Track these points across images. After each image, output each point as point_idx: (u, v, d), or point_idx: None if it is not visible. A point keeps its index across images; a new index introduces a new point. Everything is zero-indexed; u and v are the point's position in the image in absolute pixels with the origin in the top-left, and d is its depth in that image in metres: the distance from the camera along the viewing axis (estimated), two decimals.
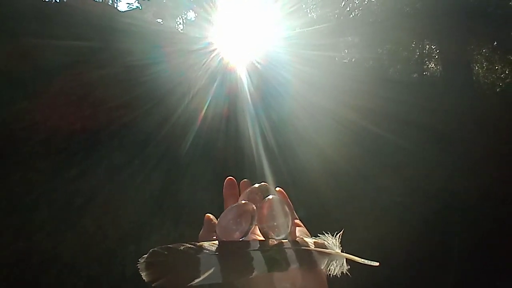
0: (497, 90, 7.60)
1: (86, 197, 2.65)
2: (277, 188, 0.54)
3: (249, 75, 4.69)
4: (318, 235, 0.47)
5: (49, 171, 2.76)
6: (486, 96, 7.11)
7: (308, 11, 8.05)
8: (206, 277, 0.38)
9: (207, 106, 3.80)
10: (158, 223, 2.56)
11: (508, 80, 7.60)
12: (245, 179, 0.56)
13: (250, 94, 4.23)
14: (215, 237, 0.45)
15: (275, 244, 0.43)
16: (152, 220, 2.57)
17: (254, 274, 0.40)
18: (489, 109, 5.14)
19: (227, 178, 0.55)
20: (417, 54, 8.88)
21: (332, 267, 0.44)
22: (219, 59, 4.96)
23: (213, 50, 5.13)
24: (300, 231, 0.49)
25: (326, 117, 3.99)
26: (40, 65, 3.61)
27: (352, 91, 4.55)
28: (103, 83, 3.73)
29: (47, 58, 3.73)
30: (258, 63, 5.13)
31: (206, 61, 4.77)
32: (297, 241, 0.44)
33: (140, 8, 9.32)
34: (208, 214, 0.51)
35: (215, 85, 4.23)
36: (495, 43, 7.39)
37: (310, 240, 0.46)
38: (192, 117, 3.63)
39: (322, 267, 0.44)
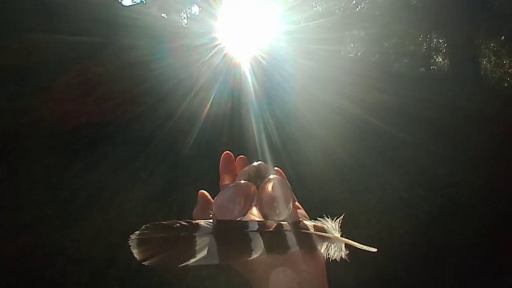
0: (505, 84, 7.50)
1: (91, 191, 2.68)
2: (275, 168, 0.52)
3: (253, 70, 4.66)
4: (318, 218, 0.46)
5: (54, 166, 2.78)
6: (493, 90, 7.01)
7: (313, 5, 7.97)
8: (202, 257, 0.37)
9: (211, 102, 3.80)
10: (162, 217, 2.56)
11: None
12: (242, 155, 0.54)
13: (254, 89, 4.21)
14: (211, 215, 0.44)
15: (275, 226, 0.41)
16: (156, 214, 2.59)
17: (252, 256, 0.39)
18: (497, 104, 5.07)
19: (224, 153, 0.52)
20: (424, 48, 8.76)
21: (331, 251, 0.43)
22: (223, 54, 4.94)
23: (217, 45, 5.10)
24: (299, 213, 0.47)
25: (331, 112, 3.97)
26: (44, 61, 3.63)
27: (357, 85, 4.50)
28: (108, 78, 3.74)
29: (52, 54, 3.74)
30: (262, 58, 5.10)
31: (210, 56, 4.75)
32: (296, 223, 0.43)
33: (145, 2, 9.30)
34: (202, 191, 0.49)
35: (219, 80, 4.23)
36: (503, 37, 7.27)
37: (309, 223, 0.44)
38: (196, 112, 3.63)
39: (322, 251, 0.43)
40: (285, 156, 3.18)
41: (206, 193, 0.49)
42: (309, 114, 3.93)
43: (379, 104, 4.07)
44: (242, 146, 3.24)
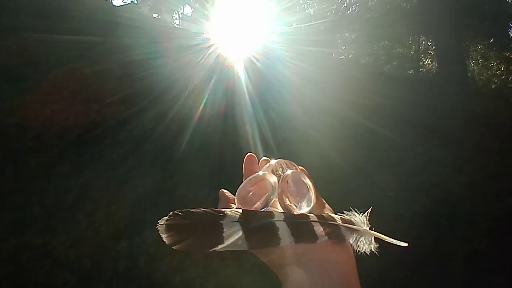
0: (492, 86, 7.66)
1: (78, 193, 2.63)
2: (300, 167, 0.51)
3: (247, 71, 4.66)
4: (344, 212, 0.45)
5: (41, 167, 2.73)
6: (481, 92, 7.15)
7: (305, 7, 8.04)
8: (231, 243, 0.37)
9: (205, 103, 3.78)
10: (151, 219, 2.53)
11: (503, 77, 7.66)
12: (265, 157, 0.54)
13: (248, 90, 4.21)
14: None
15: (301, 216, 0.41)
16: (145, 216, 2.56)
17: (280, 244, 0.38)
18: (483, 106, 5.17)
19: (248, 154, 0.52)
20: (413, 51, 8.93)
21: (360, 244, 0.42)
22: (216, 55, 4.92)
23: (210, 46, 5.09)
24: (325, 207, 0.47)
25: (323, 113, 3.99)
26: (34, 60, 3.57)
27: (348, 87, 4.54)
28: (98, 78, 3.69)
29: (42, 53, 3.69)
30: (255, 58, 5.10)
31: (203, 57, 4.73)
32: (322, 215, 0.42)
33: (136, 2, 9.21)
34: (222, 190, 0.49)
35: (212, 81, 4.20)
36: (491, 39, 7.43)
37: (336, 216, 0.44)
38: (189, 113, 3.60)
39: (351, 243, 0.42)
40: (278, 156, 3.18)
41: (225, 191, 0.49)
42: (301, 114, 3.95)
43: (369, 106, 4.11)
44: (235, 147, 3.23)
